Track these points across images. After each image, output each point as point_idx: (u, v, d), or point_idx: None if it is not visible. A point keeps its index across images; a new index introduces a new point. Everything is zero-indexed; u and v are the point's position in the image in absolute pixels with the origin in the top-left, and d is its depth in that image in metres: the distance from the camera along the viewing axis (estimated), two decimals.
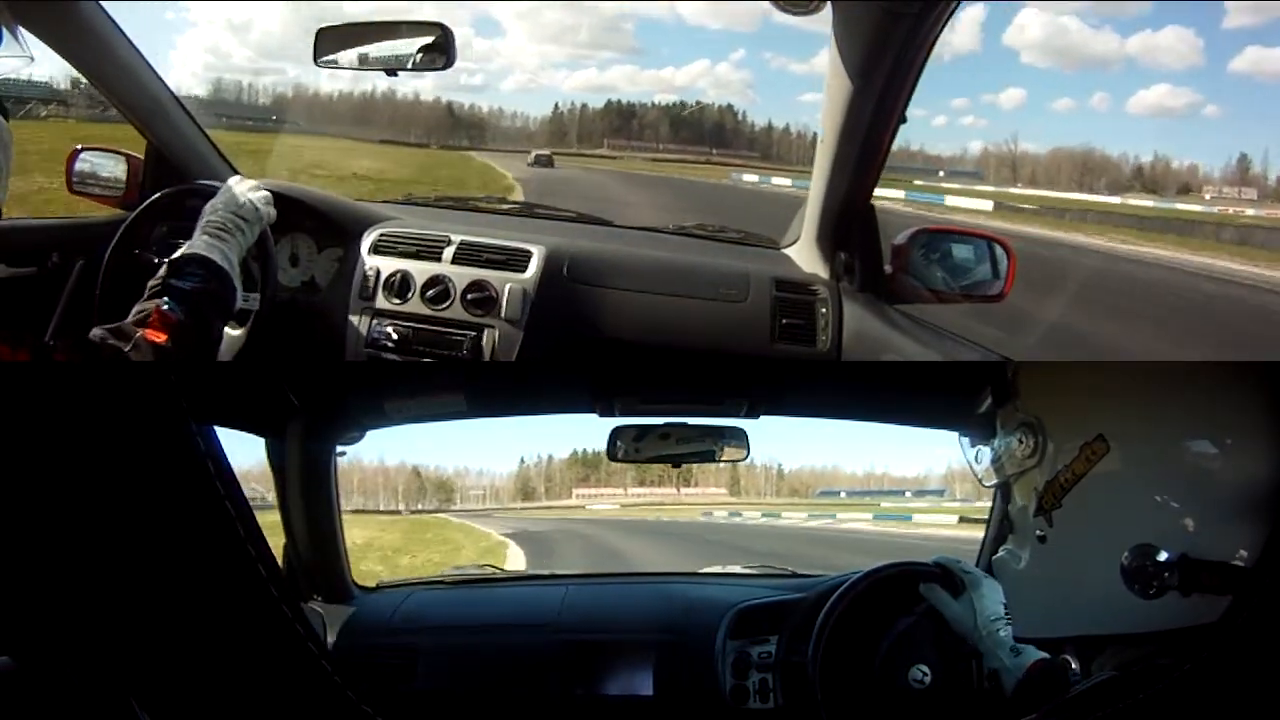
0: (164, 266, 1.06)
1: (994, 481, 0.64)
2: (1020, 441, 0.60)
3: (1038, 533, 0.58)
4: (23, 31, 0.97)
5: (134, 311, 0.97)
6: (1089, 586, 0.54)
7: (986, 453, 0.64)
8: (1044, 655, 0.85)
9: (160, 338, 0.93)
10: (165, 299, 0.97)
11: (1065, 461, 0.56)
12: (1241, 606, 0.44)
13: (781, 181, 27.49)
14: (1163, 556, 0.51)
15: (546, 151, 33.95)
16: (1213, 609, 0.49)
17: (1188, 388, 0.53)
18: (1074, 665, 0.63)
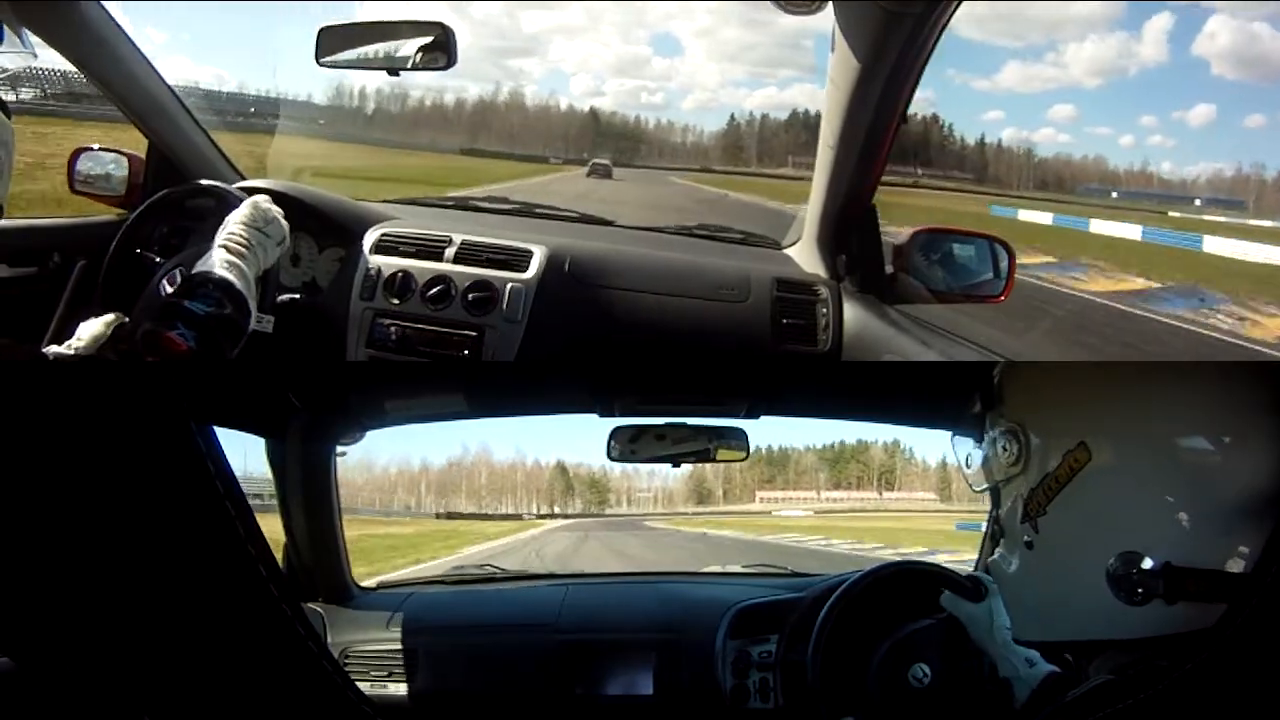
0: (178, 282, 1.00)
1: (983, 486, 0.64)
2: (1004, 449, 0.59)
3: (1025, 539, 0.58)
4: (25, 29, 0.96)
5: (142, 329, 0.91)
6: (1077, 592, 0.54)
7: (976, 457, 0.64)
8: (1056, 668, 0.85)
9: None
10: (177, 324, 0.91)
11: (1049, 469, 0.56)
12: (1237, 611, 0.44)
13: (1124, 230, 17.07)
14: (1147, 563, 0.51)
15: (605, 160, 30.66)
16: (1202, 616, 0.49)
17: (1171, 390, 0.53)
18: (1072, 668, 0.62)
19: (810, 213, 1.43)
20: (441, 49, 1.36)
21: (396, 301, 1.35)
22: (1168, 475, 0.52)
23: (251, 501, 0.36)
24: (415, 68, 1.37)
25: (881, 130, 1.15)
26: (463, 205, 1.80)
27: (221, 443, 0.35)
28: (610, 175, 27.33)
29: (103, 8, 1.31)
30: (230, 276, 1.00)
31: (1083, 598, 0.53)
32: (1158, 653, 0.51)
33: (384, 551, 10.30)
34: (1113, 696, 0.49)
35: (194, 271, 1.01)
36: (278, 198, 1.41)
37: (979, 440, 0.63)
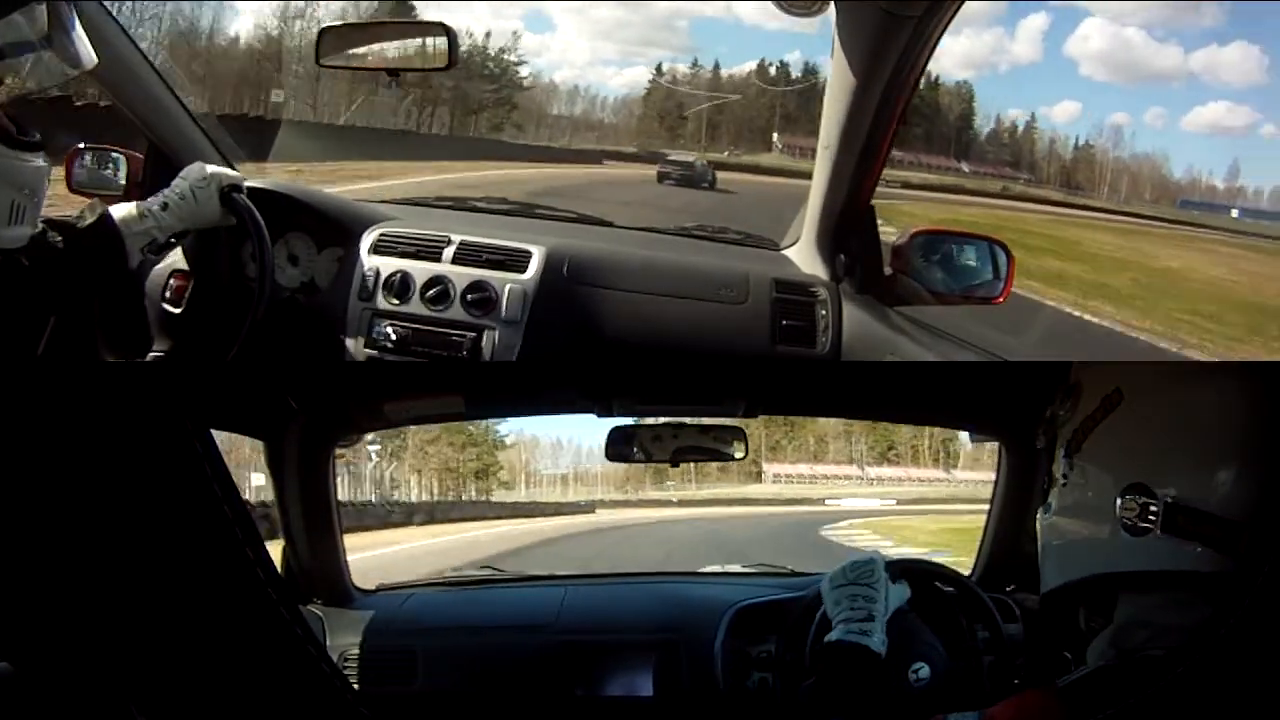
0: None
1: (1041, 444, 0.69)
2: (1061, 400, 0.64)
3: (1062, 478, 0.62)
4: (76, 30, 0.93)
5: None
6: (1092, 523, 0.58)
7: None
8: None
9: None
10: None
11: (1089, 411, 0.61)
12: (1227, 611, 0.46)
13: None
14: (1150, 497, 0.55)
15: (687, 158, 18.46)
16: (1193, 557, 0.53)
17: (1213, 374, 0.57)
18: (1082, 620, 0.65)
19: (809, 214, 1.43)
20: (443, 49, 1.36)
21: (395, 302, 1.35)
22: (1187, 423, 0.55)
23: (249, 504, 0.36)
24: (416, 68, 1.37)
25: (881, 131, 1.15)
26: (461, 205, 1.80)
27: (219, 445, 0.35)
28: (708, 182, 16.87)
29: (102, 5, 1.31)
30: None
31: (1096, 529, 0.58)
32: (1151, 590, 0.55)
33: None
34: (1110, 689, 0.50)
35: None
36: (275, 196, 1.41)
37: (984, 434, 0.68)
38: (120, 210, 1.12)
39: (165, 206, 1.17)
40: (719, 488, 28.88)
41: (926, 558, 1.35)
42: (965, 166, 40.14)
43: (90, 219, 1.06)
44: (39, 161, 0.92)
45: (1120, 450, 0.58)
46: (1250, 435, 0.53)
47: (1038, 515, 0.67)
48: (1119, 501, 0.55)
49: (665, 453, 1.50)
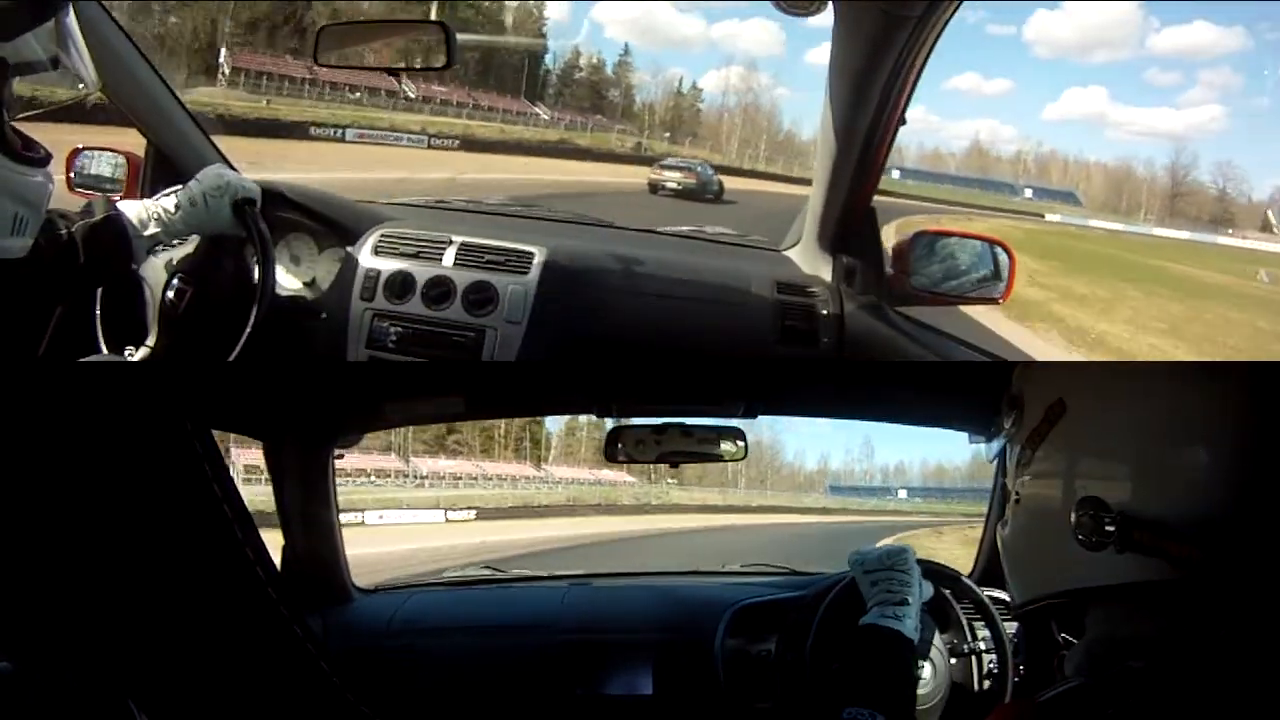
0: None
1: (994, 455, 0.67)
2: (1006, 412, 0.63)
3: (1015, 496, 0.61)
4: (81, 52, 0.93)
5: None
6: (1049, 541, 0.57)
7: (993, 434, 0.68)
8: None
9: None
10: None
11: (1034, 424, 0.59)
12: (1200, 618, 0.45)
13: None
14: (1104, 511, 0.53)
15: (683, 163, 15.35)
16: (1154, 568, 0.51)
17: (1156, 375, 0.55)
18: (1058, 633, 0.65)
19: (810, 215, 1.43)
20: (441, 48, 1.37)
21: (397, 302, 1.35)
22: (1135, 432, 0.54)
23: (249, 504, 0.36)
24: (415, 67, 1.37)
25: (881, 132, 1.15)
26: (462, 206, 1.80)
27: (218, 445, 0.35)
28: (713, 192, 14.11)
29: (102, 7, 1.31)
30: None
31: (1054, 544, 0.56)
32: (1118, 602, 0.54)
33: None
34: (1086, 699, 0.50)
35: None
36: (277, 197, 1.41)
37: (985, 432, 0.66)
38: (131, 209, 1.12)
39: (177, 209, 1.17)
40: None
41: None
42: (542, 112, 33.72)
43: (100, 215, 1.06)
44: (43, 176, 0.93)
45: (1069, 462, 0.57)
46: (1201, 436, 0.52)
47: (998, 531, 0.67)
48: (1073, 517, 0.54)
49: (665, 454, 1.50)
